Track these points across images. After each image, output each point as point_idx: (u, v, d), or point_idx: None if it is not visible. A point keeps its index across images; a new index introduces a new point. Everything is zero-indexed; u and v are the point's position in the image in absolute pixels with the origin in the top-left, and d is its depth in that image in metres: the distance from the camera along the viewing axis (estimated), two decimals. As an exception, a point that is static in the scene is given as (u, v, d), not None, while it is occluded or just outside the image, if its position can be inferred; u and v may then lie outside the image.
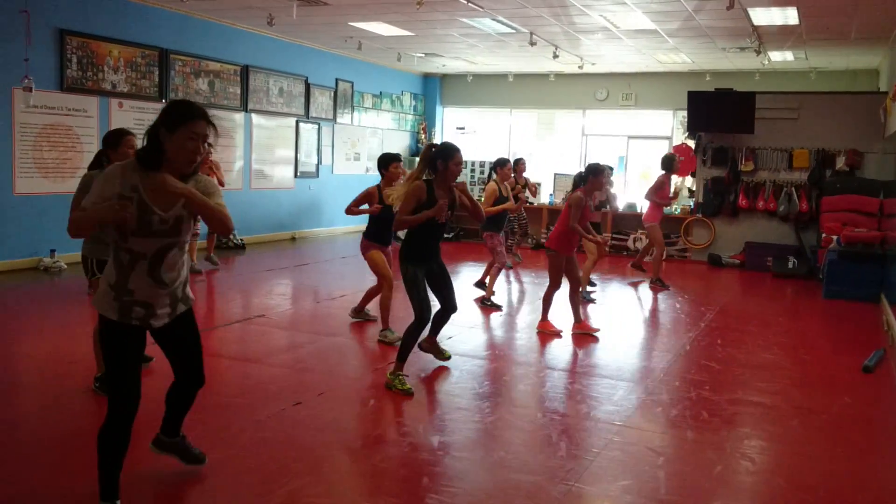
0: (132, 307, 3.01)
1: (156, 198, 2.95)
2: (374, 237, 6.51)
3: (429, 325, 5.20)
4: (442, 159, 4.94)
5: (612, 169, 10.32)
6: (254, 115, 12.60)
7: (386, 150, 14.46)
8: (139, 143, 3.44)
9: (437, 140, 17.36)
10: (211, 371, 5.42)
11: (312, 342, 6.37)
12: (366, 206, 6.46)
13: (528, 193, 10.56)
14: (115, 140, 4.66)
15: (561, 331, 6.98)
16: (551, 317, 7.06)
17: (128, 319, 3.02)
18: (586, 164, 7.26)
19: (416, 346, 5.39)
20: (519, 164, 10.45)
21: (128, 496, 3.34)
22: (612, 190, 10.41)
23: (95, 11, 9.72)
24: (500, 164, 8.34)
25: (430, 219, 4.86)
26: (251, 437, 4.13)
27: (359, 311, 7.07)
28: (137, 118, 10.37)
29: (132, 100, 10.33)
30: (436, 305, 5.28)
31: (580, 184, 7.08)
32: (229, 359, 5.80)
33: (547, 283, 7.02)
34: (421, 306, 5.00)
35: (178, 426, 3.57)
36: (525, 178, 10.70)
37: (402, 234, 5.57)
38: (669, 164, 10.06)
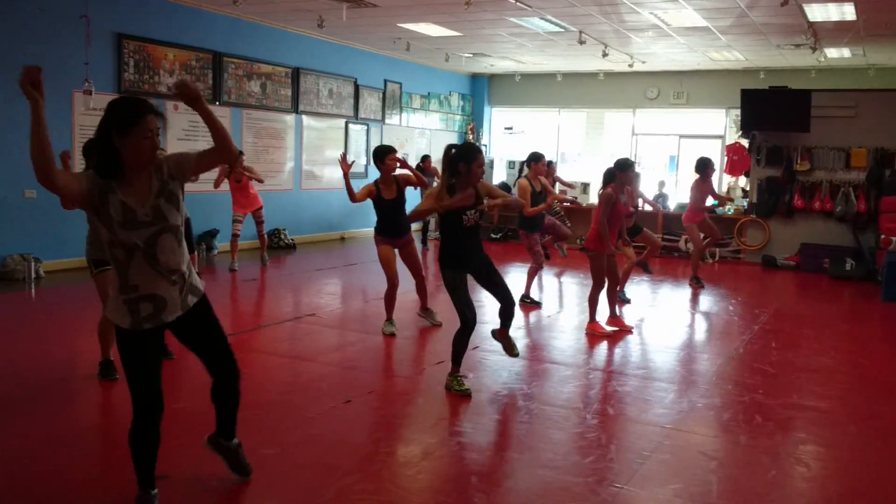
0: (139, 304, 2.98)
1: (131, 194, 2.92)
2: (382, 231, 6.59)
3: (474, 328, 5.12)
4: (465, 161, 4.81)
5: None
6: (304, 117, 12.76)
7: (434, 151, 14.60)
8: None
9: (485, 140, 17.36)
10: (262, 368, 5.53)
11: (361, 341, 6.43)
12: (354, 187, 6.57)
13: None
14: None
15: (620, 329, 6.95)
16: (599, 317, 7.02)
17: (138, 324, 2.99)
18: (616, 160, 7.17)
19: (490, 334, 5.47)
20: (549, 168, 10.32)
21: (179, 490, 3.43)
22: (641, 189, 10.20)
23: (151, 16, 9.96)
24: (533, 160, 8.18)
25: (447, 209, 4.78)
26: (302, 434, 4.19)
27: (425, 310, 7.06)
28: (192, 120, 10.59)
29: (187, 102, 10.54)
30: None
31: (610, 180, 7.01)
32: (280, 356, 5.89)
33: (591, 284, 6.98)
34: (462, 310, 4.94)
35: (231, 428, 3.51)
36: (556, 179, 10.64)
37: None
38: (703, 166, 9.76)
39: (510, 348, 5.50)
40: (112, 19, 9.44)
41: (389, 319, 6.61)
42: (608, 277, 6.97)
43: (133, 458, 3.15)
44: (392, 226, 6.54)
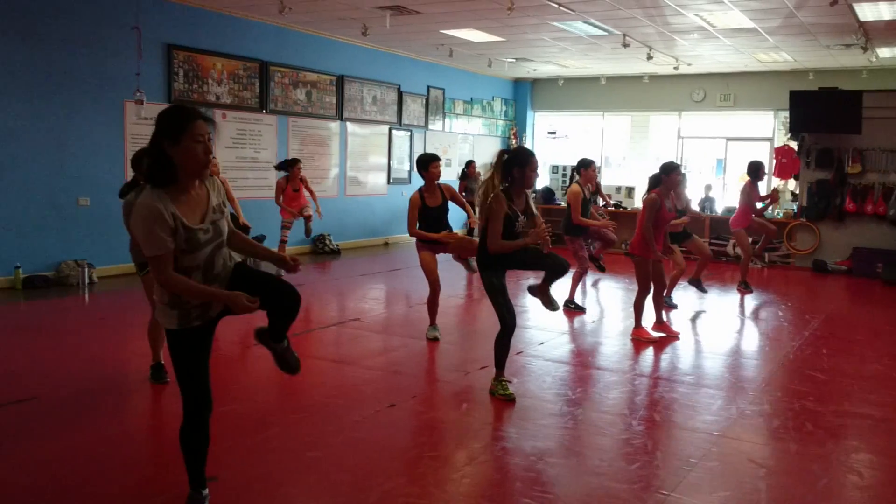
0: (190, 311, 3.02)
1: (191, 214, 2.92)
2: (421, 241, 6.53)
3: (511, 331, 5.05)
4: (519, 166, 4.77)
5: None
6: (348, 124, 12.89)
7: (477, 156, 14.62)
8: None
9: (528, 145, 17.33)
10: (308, 372, 5.58)
11: (405, 345, 6.46)
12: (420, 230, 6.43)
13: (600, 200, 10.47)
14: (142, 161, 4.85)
15: (667, 334, 6.90)
16: (644, 322, 6.95)
17: (187, 323, 3.04)
18: (661, 164, 7.07)
19: (529, 292, 5.31)
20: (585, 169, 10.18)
21: (226, 491, 3.49)
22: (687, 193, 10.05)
23: (200, 26, 10.17)
24: (583, 166, 8.16)
25: (527, 245, 4.76)
26: (347, 438, 4.23)
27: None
28: (240, 129, 10.79)
29: (234, 111, 10.74)
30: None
31: (655, 185, 6.93)
32: (326, 360, 5.95)
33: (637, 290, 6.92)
34: (503, 313, 4.91)
35: (282, 334, 3.42)
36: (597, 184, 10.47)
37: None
38: (756, 170, 9.61)
39: (550, 303, 5.25)
40: (162, 30, 9.66)
41: (433, 324, 6.64)
42: (654, 283, 6.90)
43: (184, 457, 3.22)
44: (434, 232, 6.53)
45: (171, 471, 3.64)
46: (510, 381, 5.14)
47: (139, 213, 2.84)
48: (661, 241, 6.90)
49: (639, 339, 6.79)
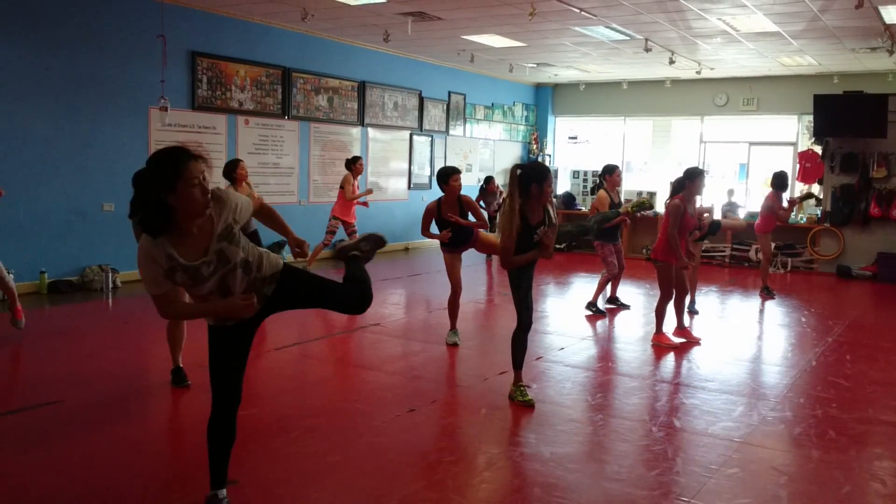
0: (226, 319, 3.16)
1: (189, 253, 2.92)
2: (445, 245, 6.56)
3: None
4: (536, 182, 4.74)
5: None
6: (370, 129, 12.96)
7: (497, 161, 14.63)
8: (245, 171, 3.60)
9: (549, 150, 17.31)
10: (329, 377, 5.64)
11: (425, 350, 6.48)
12: (435, 231, 6.50)
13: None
14: (232, 168, 5.09)
15: (688, 340, 6.87)
16: (666, 328, 6.92)
17: (221, 322, 3.16)
18: (685, 169, 7.07)
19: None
20: (611, 175, 10.26)
21: (247, 495, 3.52)
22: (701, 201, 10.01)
23: (224, 34, 10.28)
24: (608, 171, 8.23)
25: (536, 258, 4.86)
26: (367, 442, 4.25)
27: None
28: (262, 134, 10.88)
29: (257, 117, 10.84)
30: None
31: (679, 190, 6.91)
32: (346, 365, 5.99)
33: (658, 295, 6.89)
34: (522, 309, 4.96)
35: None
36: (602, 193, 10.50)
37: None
38: (781, 182, 9.62)
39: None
40: (186, 38, 9.78)
41: (453, 328, 6.66)
42: (676, 288, 6.87)
43: (209, 452, 3.26)
44: (456, 238, 6.56)
45: (193, 475, 3.68)
46: (529, 387, 5.14)
47: (139, 254, 2.88)
48: (684, 246, 6.87)
49: (659, 345, 6.76)
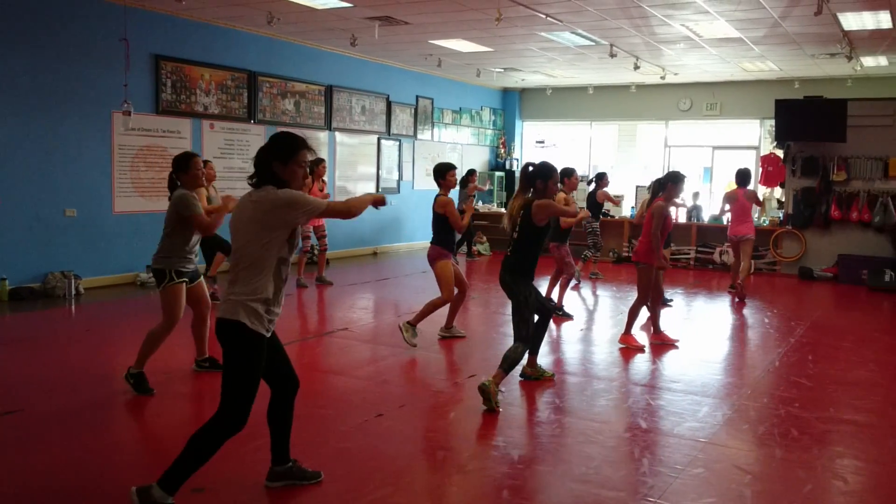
0: (274, 318, 3.33)
1: None
2: (447, 245, 6.59)
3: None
4: (542, 178, 5.17)
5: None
6: (337, 134, 12.91)
7: (467, 166, 14.65)
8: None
9: (516, 154, 17.40)
10: (301, 379, 5.58)
11: (393, 355, 6.47)
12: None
13: (608, 205, 10.96)
14: (185, 162, 5.13)
15: (663, 342, 6.93)
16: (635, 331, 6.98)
17: (265, 331, 3.28)
18: (666, 173, 7.18)
19: (520, 376, 5.65)
20: (602, 180, 10.58)
21: (213, 502, 3.48)
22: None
23: (188, 37, 10.18)
24: (566, 175, 8.28)
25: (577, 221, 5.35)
26: (334, 448, 4.23)
27: (448, 328, 7.10)
28: (227, 139, 10.79)
29: (222, 121, 10.74)
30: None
31: (659, 192, 6.99)
32: (313, 371, 5.94)
33: (634, 297, 6.95)
34: (528, 331, 5.14)
35: (286, 449, 3.67)
36: (605, 192, 10.66)
37: (481, 249, 5.63)
38: (743, 178, 9.77)
39: (542, 374, 5.77)
40: (150, 41, 9.67)
41: (414, 325, 6.60)
42: (653, 292, 6.91)
43: (184, 459, 3.20)
44: (451, 241, 6.65)
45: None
46: (503, 392, 5.15)
47: (295, 192, 3.29)
48: (662, 248, 6.95)
49: (627, 347, 6.81)
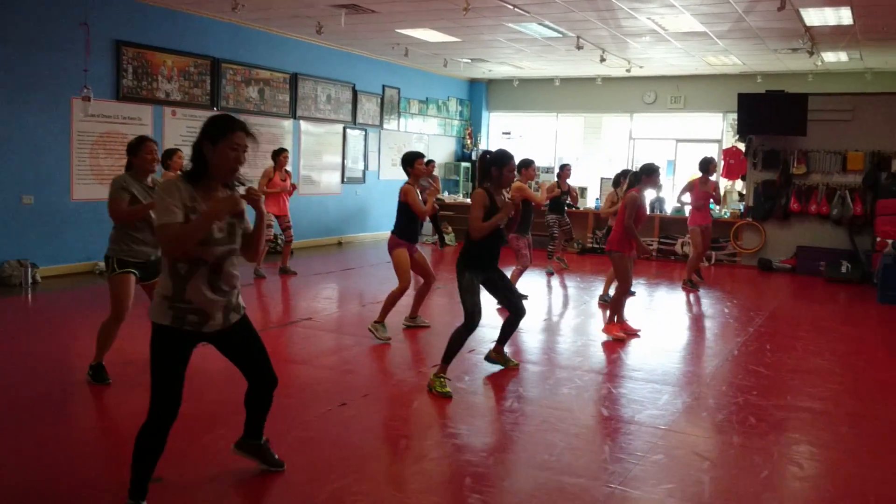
0: (186, 315, 3.11)
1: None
2: (403, 235, 6.56)
3: (477, 330, 5.22)
4: (496, 166, 5.14)
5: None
6: (302, 122, 12.81)
7: (432, 156, 14.64)
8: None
9: (482, 145, 17.41)
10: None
11: (358, 345, 6.45)
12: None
13: (569, 200, 11.03)
14: (136, 147, 4.92)
15: (638, 330, 6.97)
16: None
17: (180, 325, 3.11)
18: (641, 165, 7.24)
19: (485, 358, 5.71)
20: (564, 170, 10.61)
21: (171, 493, 3.45)
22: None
23: (150, 23, 10.00)
24: (524, 165, 8.33)
25: (503, 220, 5.11)
26: (297, 437, 4.21)
27: (413, 318, 7.10)
28: (190, 126, 10.63)
29: (185, 108, 10.59)
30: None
31: (636, 184, 7.07)
32: (277, 361, 5.86)
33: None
34: (473, 311, 5.07)
35: (259, 429, 3.66)
36: (568, 185, 10.73)
37: (450, 240, 5.64)
38: (705, 166, 9.91)
39: (507, 361, 5.82)
40: (111, 26, 9.48)
41: (382, 321, 6.57)
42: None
43: (133, 461, 3.14)
44: (413, 230, 6.61)
45: (118, 471, 3.58)
46: (449, 379, 5.16)
47: (166, 183, 3.12)
48: (636, 239, 7.01)
49: (609, 336, 6.84)
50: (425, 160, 6.99)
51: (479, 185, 5.26)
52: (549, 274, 10.56)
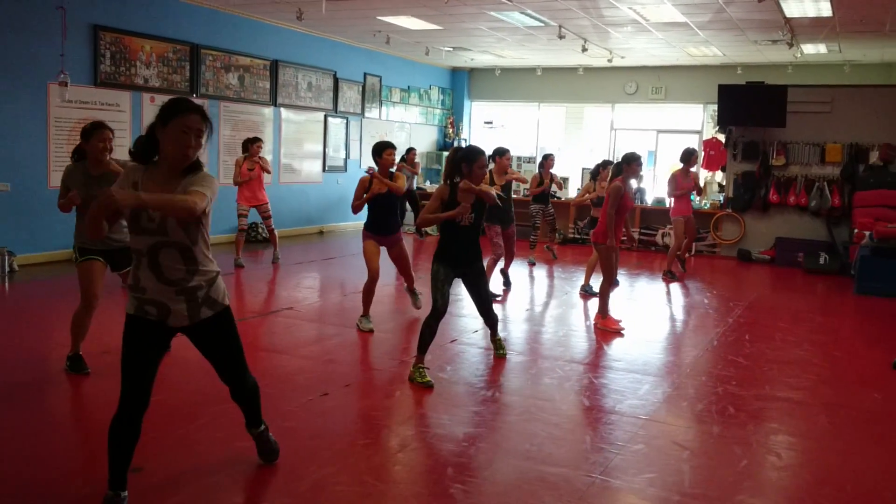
0: (145, 305, 3.07)
1: (151, 192, 2.95)
2: (370, 227, 6.58)
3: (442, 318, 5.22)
4: (466, 163, 5.07)
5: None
6: (283, 110, 12.71)
7: (413, 144, 14.60)
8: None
9: (465, 134, 17.38)
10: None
11: (339, 334, 6.43)
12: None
13: (554, 188, 11.05)
14: (88, 133, 4.78)
15: (622, 328, 6.99)
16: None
17: (143, 314, 3.08)
18: (623, 154, 7.22)
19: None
20: (548, 160, 10.62)
21: (151, 483, 3.43)
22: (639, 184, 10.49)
23: (128, 7, 9.87)
24: (498, 154, 8.35)
25: (450, 219, 5.01)
26: (278, 427, 4.17)
27: (411, 290, 7.21)
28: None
29: (164, 94, 10.46)
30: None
31: (619, 174, 7.06)
32: (257, 350, 5.87)
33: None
34: (436, 296, 5.08)
35: (254, 418, 3.61)
36: (551, 174, 10.75)
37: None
38: (687, 157, 10.05)
39: (497, 348, 5.86)
40: (88, 11, 9.34)
41: (366, 314, 6.57)
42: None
43: (109, 452, 3.10)
44: (382, 223, 6.56)
45: (96, 463, 3.55)
46: (427, 368, 5.16)
47: (125, 170, 3.08)
48: (622, 229, 7.03)
49: (605, 330, 6.83)
50: (406, 148, 6.98)
51: (446, 179, 5.16)
52: (532, 264, 10.59)
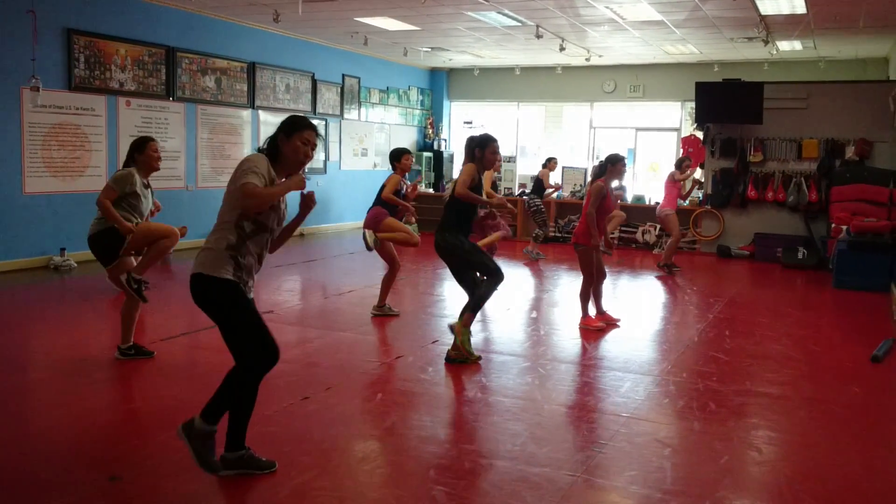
0: (242, 268, 3.46)
1: None
2: (388, 209, 7.08)
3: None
4: (479, 147, 5.59)
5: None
6: (261, 112, 12.63)
7: (394, 146, 14.54)
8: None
9: (444, 135, 17.38)
10: (218, 367, 5.44)
11: (320, 337, 6.39)
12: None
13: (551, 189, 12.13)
14: (141, 145, 5.48)
15: (608, 323, 7.00)
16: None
17: (238, 279, 3.44)
18: (607, 155, 7.28)
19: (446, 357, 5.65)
20: (550, 164, 11.29)
21: (133, 492, 3.38)
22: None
23: (102, 10, 9.76)
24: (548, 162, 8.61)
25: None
26: (259, 432, 4.14)
27: (380, 307, 7.09)
28: (145, 116, 10.42)
29: (139, 98, 10.37)
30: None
31: (601, 174, 7.07)
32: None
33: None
34: (492, 266, 5.53)
35: (238, 435, 3.60)
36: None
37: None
38: (679, 165, 10.55)
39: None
40: (61, 14, 9.23)
41: (383, 304, 7.07)
42: (596, 272, 6.97)
43: (244, 411, 3.56)
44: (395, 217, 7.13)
45: (81, 465, 3.50)
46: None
47: (256, 156, 3.51)
48: (603, 229, 7.03)
49: (587, 329, 6.84)
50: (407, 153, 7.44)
51: (466, 161, 5.66)
52: (536, 259, 11.02)
